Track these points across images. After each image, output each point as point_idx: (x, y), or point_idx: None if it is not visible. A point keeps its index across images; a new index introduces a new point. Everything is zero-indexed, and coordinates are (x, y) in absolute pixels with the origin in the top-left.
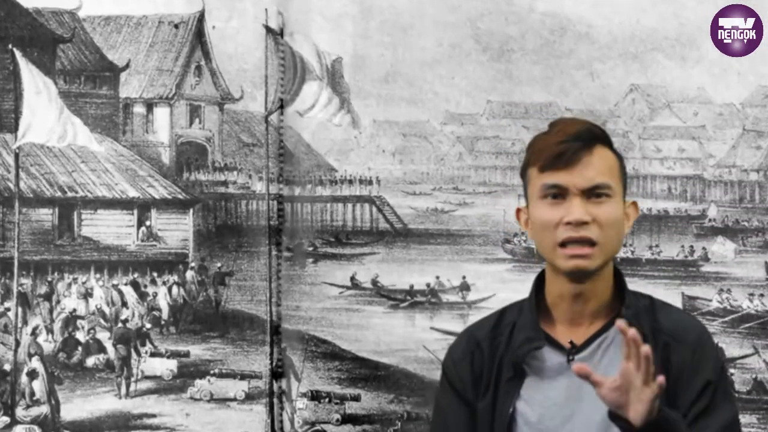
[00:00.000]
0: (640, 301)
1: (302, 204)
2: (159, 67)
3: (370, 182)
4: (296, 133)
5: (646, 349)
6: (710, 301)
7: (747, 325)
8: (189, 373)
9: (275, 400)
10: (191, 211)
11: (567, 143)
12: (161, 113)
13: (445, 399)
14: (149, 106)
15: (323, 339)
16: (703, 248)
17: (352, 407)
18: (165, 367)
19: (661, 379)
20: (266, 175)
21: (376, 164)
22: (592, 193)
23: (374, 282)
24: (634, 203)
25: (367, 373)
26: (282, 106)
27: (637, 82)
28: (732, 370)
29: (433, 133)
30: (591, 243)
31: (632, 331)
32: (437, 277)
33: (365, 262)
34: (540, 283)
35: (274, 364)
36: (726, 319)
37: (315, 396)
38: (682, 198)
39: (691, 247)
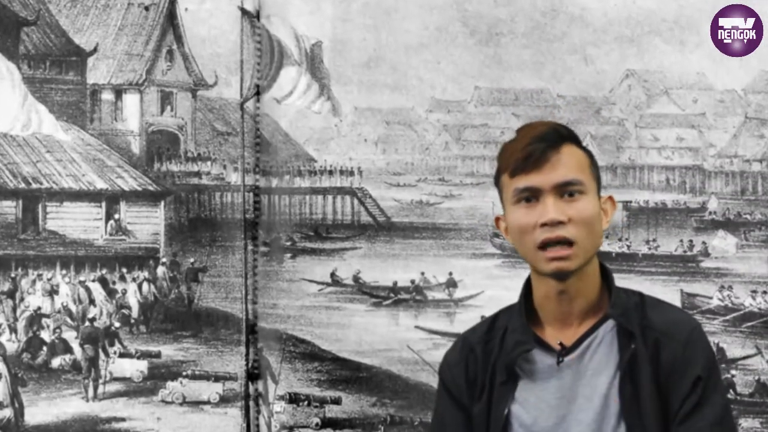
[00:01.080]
0: (630, 298)
1: (280, 196)
2: (128, 52)
3: (352, 173)
4: (273, 121)
5: None
6: (710, 298)
7: (749, 323)
8: (160, 374)
9: (251, 403)
10: (162, 203)
11: (533, 145)
12: (131, 100)
13: (442, 404)
14: (118, 92)
15: (302, 338)
16: (703, 243)
17: (332, 411)
18: (135, 368)
19: None
20: (242, 166)
21: (357, 154)
22: (565, 191)
23: (356, 278)
24: (611, 198)
25: (349, 374)
26: (258, 92)
27: (634, 68)
28: (733, 372)
29: (418, 121)
30: (569, 243)
31: None
32: (422, 273)
33: (346, 258)
34: (529, 286)
35: (249, 365)
36: (727, 317)
37: (293, 399)
38: (681, 190)
39: (691, 241)
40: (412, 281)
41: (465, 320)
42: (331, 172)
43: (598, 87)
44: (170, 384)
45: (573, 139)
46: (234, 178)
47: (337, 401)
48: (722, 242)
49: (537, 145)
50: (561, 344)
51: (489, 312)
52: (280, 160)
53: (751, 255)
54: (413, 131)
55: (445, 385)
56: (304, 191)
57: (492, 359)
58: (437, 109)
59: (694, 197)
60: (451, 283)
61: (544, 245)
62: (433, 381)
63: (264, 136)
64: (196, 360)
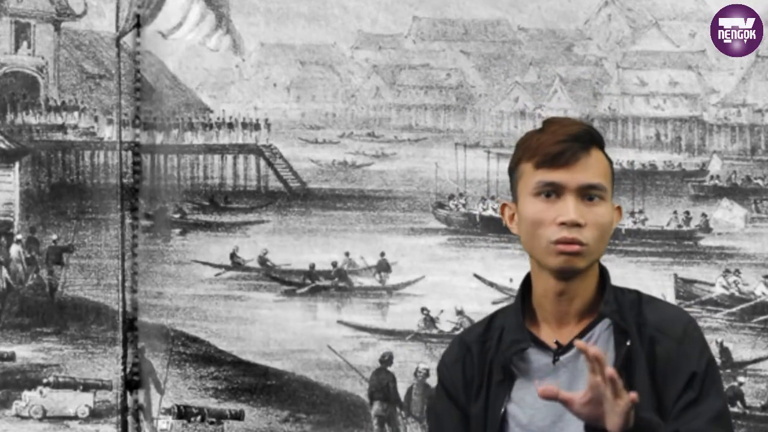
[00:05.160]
0: (625, 296)
1: (166, 156)
2: None
3: (257, 126)
4: (158, 61)
5: (610, 371)
6: (712, 285)
7: (761, 318)
8: (14, 382)
9: (129, 419)
10: (17, 165)
11: (567, 143)
12: None
13: (441, 404)
14: None
15: (194, 336)
16: (703, 215)
17: (232, 428)
18: None
19: (633, 395)
20: (118, 117)
21: (264, 102)
22: (586, 194)
23: (262, 260)
24: (619, 207)
25: (253, 382)
26: (138, 24)
27: None
28: (741, 379)
29: (341, 61)
30: (581, 243)
31: (593, 350)
32: (347, 254)
33: (250, 234)
34: (527, 284)
35: (128, 370)
36: (733, 309)
37: (183, 413)
38: (675, 147)
39: (687, 213)
40: (334, 264)
41: (401, 313)
42: (231, 126)
43: (569, 18)
44: (27, 394)
45: (601, 143)
46: (108, 132)
47: (238, 416)
48: (727, 214)
49: (571, 143)
50: (557, 343)
51: (431, 302)
52: (166, 111)
53: (764, 230)
54: (335, 73)
55: (443, 386)
56: (196, 150)
57: (489, 359)
58: (365, 46)
59: (691, 157)
60: (384, 267)
61: (558, 242)
62: (360, 390)
63: (146, 79)
64: (60, 364)
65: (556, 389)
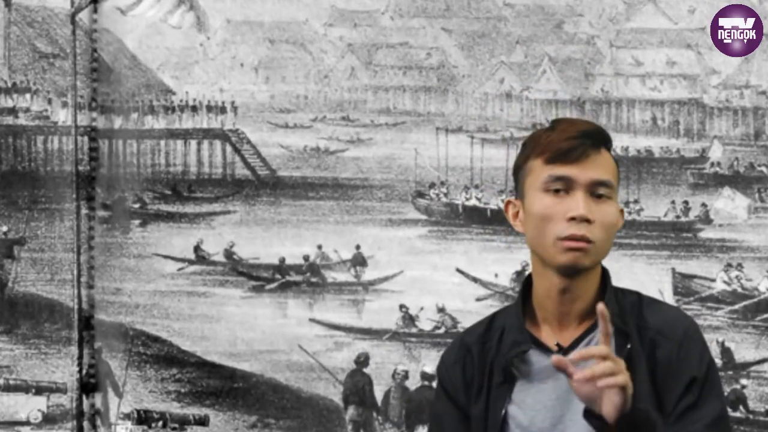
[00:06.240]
0: (626, 297)
1: (124, 141)
2: None
3: (223, 109)
4: (116, 39)
5: (610, 328)
6: (713, 281)
7: (765, 315)
8: None
9: (86, 424)
10: None
11: (579, 139)
12: None
13: (440, 405)
14: None
15: (155, 336)
16: (703, 205)
17: None
18: None
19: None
20: (73, 100)
21: (231, 83)
22: (596, 191)
23: (228, 254)
24: (621, 210)
25: (219, 384)
26: None
27: None
28: (744, 381)
29: (314, 39)
30: (588, 241)
31: (600, 306)
32: (319, 247)
33: (215, 226)
34: (528, 284)
35: (84, 372)
36: (735, 306)
37: (143, 418)
38: (673, 132)
39: (686, 203)
40: (306, 258)
41: (378, 310)
42: (194, 109)
43: None
44: None
45: (609, 145)
46: (62, 116)
47: (202, 421)
48: (729, 204)
49: (583, 140)
50: (558, 345)
51: (410, 299)
52: (124, 93)
53: None
54: (307, 53)
55: (443, 387)
56: (157, 134)
57: (489, 360)
58: (339, 23)
59: (690, 143)
60: (359, 261)
61: (566, 239)
62: (334, 393)
63: (103, 59)
64: (10, 365)
65: (567, 361)
